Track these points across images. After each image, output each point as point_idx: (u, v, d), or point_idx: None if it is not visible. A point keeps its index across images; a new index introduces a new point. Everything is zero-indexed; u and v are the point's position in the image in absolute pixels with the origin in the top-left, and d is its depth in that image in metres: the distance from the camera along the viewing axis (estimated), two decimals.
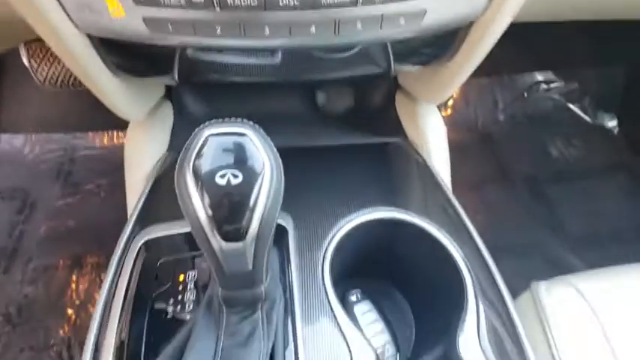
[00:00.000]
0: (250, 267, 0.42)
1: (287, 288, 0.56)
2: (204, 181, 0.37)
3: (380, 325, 0.71)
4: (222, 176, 0.36)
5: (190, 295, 0.55)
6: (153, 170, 0.74)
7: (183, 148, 0.38)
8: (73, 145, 1.71)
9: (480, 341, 0.56)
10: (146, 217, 0.66)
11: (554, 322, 0.70)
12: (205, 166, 0.37)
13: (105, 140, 1.73)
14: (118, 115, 0.71)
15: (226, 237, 0.39)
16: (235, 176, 0.37)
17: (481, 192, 1.66)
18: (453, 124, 1.84)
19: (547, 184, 1.72)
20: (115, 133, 1.74)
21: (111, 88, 0.62)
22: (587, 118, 1.91)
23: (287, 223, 0.63)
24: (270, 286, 0.49)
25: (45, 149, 1.70)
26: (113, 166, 1.67)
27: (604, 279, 0.78)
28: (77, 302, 1.35)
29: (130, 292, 0.56)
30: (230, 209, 0.38)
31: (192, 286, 0.56)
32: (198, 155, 0.37)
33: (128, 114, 0.70)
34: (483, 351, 0.55)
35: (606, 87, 1.90)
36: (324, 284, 0.58)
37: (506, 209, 1.64)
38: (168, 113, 0.83)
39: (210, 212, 0.38)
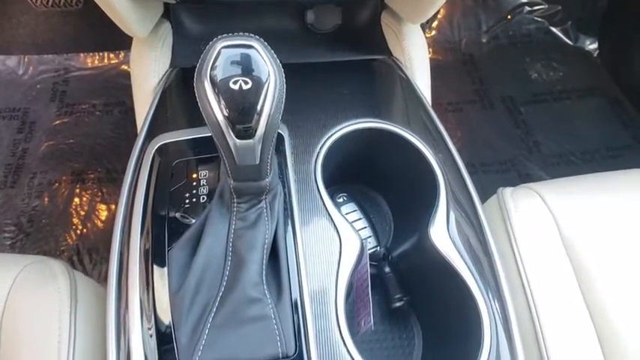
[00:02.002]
0: (258, 161, 0.51)
1: (285, 185, 0.65)
2: (220, 87, 0.44)
3: (363, 223, 0.82)
4: (235, 82, 0.44)
5: (204, 190, 0.64)
6: (159, 85, 0.81)
7: (199, 60, 0.45)
8: (65, 67, 1.74)
9: (449, 233, 0.66)
10: (156, 127, 0.74)
11: (517, 223, 0.79)
12: (220, 74, 0.44)
13: (96, 61, 1.76)
14: (124, 31, 0.76)
15: (239, 135, 0.48)
16: (246, 82, 0.44)
17: (460, 111, 1.74)
18: (436, 45, 1.88)
19: (525, 105, 1.80)
20: (105, 55, 1.77)
21: (119, 4, 0.68)
22: (568, 40, 1.96)
23: (283, 131, 0.71)
24: (273, 180, 0.57)
25: (38, 70, 1.73)
26: (106, 86, 1.71)
27: (565, 186, 0.88)
28: (82, 213, 1.44)
29: (150, 190, 0.65)
30: (242, 110, 0.46)
31: (205, 182, 0.65)
32: (214, 65, 0.44)
33: (133, 30, 0.76)
34: (452, 240, 0.65)
35: (588, 10, 1.93)
36: (316, 181, 0.67)
37: (483, 129, 1.72)
38: (167, 32, 0.88)
39: (225, 113, 0.46)
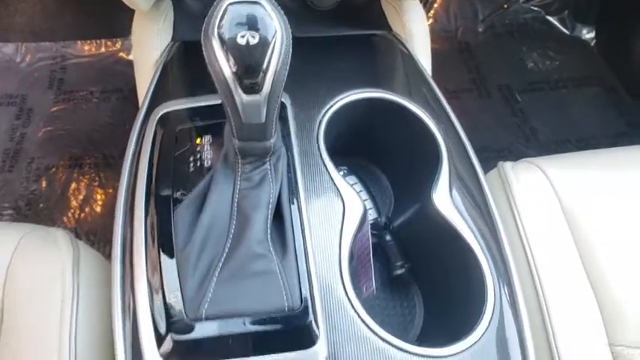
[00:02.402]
0: (263, 119, 0.51)
1: (288, 149, 0.65)
2: (228, 43, 0.44)
3: (364, 195, 0.82)
4: (242, 37, 0.44)
5: (208, 155, 0.64)
6: (160, 58, 0.81)
7: (206, 18, 0.45)
8: (62, 54, 1.74)
9: (452, 198, 0.66)
10: (158, 99, 0.74)
11: (518, 194, 0.79)
12: (227, 30, 0.44)
13: (93, 49, 1.75)
14: (126, 3, 0.76)
15: (245, 90, 0.48)
16: (253, 37, 0.45)
17: (458, 100, 1.75)
18: (432, 33, 1.88)
19: (522, 93, 1.80)
20: (103, 42, 1.76)
21: None
22: (564, 30, 1.97)
23: (286, 100, 0.71)
24: (277, 142, 0.57)
25: (36, 58, 1.72)
26: (103, 73, 1.71)
27: (566, 160, 0.88)
28: (80, 198, 1.44)
29: (154, 155, 0.65)
30: (249, 65, 0.46)
31: (209, 147, 0.65)
32: (220, 23, 0.44)
33: (135, 1, 0.76)
34: (455, 206, 0.65)
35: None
36: (318, 147, 0.67)
37: (481, 117, 1.73)
38: (169, 6, 0.88)
39: (233, 69, 0.46)
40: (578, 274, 0.74)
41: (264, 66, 0.46)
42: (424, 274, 0.71)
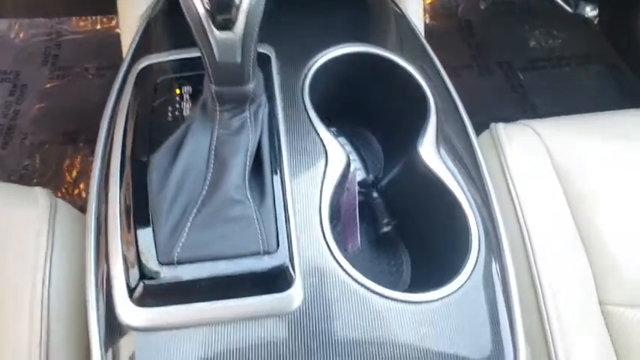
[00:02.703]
0: (239, 59, 0.49)
1: (272, 100, 0.63)
2: None
3: (353, 156, 0.80)
4: None
5: (187, 105, 0.63)
6: (146, 12, 0.79)
7: None
8: (57, 30, 1.72)
9: (439, 151, 0.64)
10: (141, 53, 0.72)
11: (509, 153, 0.78)
12: None
13: (89, 25, 1.74)
14: None
15: (219, 27, 0.46)
16: None
17: (457, 77, 1.72)
18: (432, 10, 1.86)
19: (523, 71, 1.78)
20: (98, 19, 1.75)
21: None
22: (567, 8, 1.94)
23: (270, 52, 0.69)
24: (257, 89, 0.56)
25: (30, 34, 1.71)
26: (99, 50, 1.69)
27: (559, 121, 0.87)
28: (74, 174, 1.43)
29: (132, 107, 0.63)
30: (221, 1, 0.44)
31: (188, 98, 0.63)
32: None
33: None
34: (442, 158, 0.63)
35: None
36: (303, 100, 0.65)
37: (481, 94, 1.71)
38: None
39: (206, 5, 0.44)
40: (570, 233, 0.72)
41: (237, 1, 0.44)
42: (411, 231, 0.69)
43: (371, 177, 0.73)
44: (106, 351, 0.48)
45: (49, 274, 0.61)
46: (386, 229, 0.70)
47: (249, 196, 0.53)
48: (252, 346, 0.47)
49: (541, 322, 0.65)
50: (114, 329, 0.48)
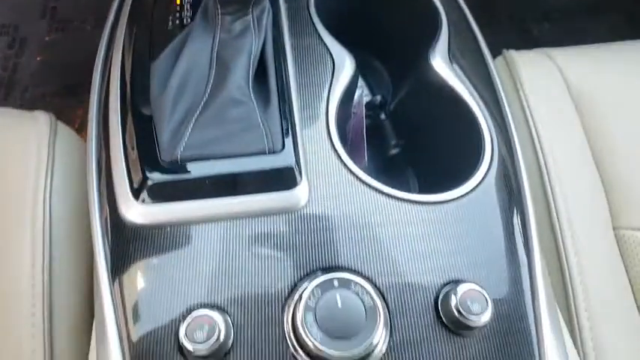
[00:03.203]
0: None
1: (274, 5, 0.60)
2: None
3: (360, 82, 0.77)
4: None
5: (188, 13, 0.60)
6: None
7: None
8: None
9: (452, 65, 0.61)
10: None
11: (524, 75, 0.75)
12: None
13: None
14: None
15: None
16: None
17: None
18: None
19: (535, 24, 1.73)
20: None
21: None
22: None
23: None
24: None
25: None
26: (98, 1, 1.65)
27: (577, 49, 0.83)
28: (75, 126, 1.41)
29: (130, 19, 0.61)
30: None
31: (189, 6, 0.60)
32: None
33: None
34: (455, 73, 0.60)
35: None
36: (307, 7, 0.62)
37: (492, 48, 1.66)
38: None
39: None
40: (585, 158, 0.70)
41: None
42: (419, 152, 0.67)
43: (378, 98, 0.71)
44: (111, 251, 0.46)
45: (50, 191, 0.59)
46: (394, 150, 0.68)
47: (252, 97, 0.51)
48: (256, 243, 0.45)
49: (555, 242, 0.63)
50: (117, 229, 0.46)
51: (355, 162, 0.59)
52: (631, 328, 0.60)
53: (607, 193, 0.68)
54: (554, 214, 0.64)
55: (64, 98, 1.45)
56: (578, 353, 0.56)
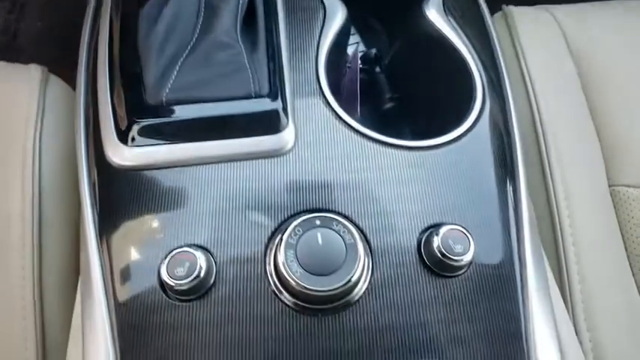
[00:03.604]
0: None
1: None
2: None
3: (355, 38, 0.76)
4: None
5: None
6: None
7: None
8: None
9: (447, 16, 0.60)
10: None
11: (522, 32, 0.73)
12: None
13: None
14: None
15: None
16: None
17: None
18: None
19: None
20: None
21: None
22: None
23: None
24: None
25: None
26: None
27: (578, 7, 0.81)
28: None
29: None
30: None
31: None
32: None
33: None
34: (451, 24, 0.59)
35: None
36: None
37: (494, 4, 1.62)
38: None
39: None
40: (582, 115, 0.69)
41: None
42: (413, 106, 0.66)
43: (373, 51, 0.70)
44: (96, 193, 0.46)
45: (40, 140, 0.59)
46: (388, 105, 0.67)
47: (240, 41, 0.50)
48: (241, 185, 0.45)
49: (547, 194, 0.63)
50: (103, 171, 0.47)
51: (349, 115, 0.59)
52: (620, 280, 0.60)
53: (604, 150, 0.68)
54: (547, 168, 0.64)
55: (64, 62, 1.45)
56: (566, 302, 0.56)
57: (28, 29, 1.52)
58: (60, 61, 1.44)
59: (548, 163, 0.64)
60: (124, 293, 0.42)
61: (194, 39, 0.51)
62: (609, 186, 0.66)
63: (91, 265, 0.43)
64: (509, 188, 0.50)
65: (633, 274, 0.61)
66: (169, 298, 0.41)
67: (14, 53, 1.47)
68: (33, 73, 0.65)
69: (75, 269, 0.56)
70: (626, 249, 0.63)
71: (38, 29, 1.51)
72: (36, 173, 0.57)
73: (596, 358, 0.55)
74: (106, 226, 0.45)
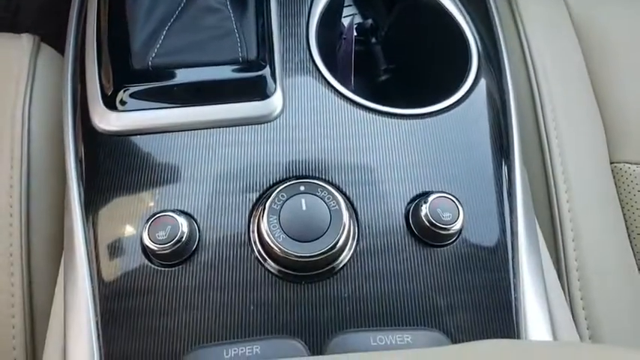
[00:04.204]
0: None
1: None
2: None
3: (352, 9, 0.75)
4: None
5: None
6: None
7: None
8: None
9: None
10: None
11: (523, 6, 0.72)
12: None
13: None
14: None
15: None
16: None
17: None
18: None
19: None
20: None
21: None
22: None
23: None
24: None
25: None
26: None
27: None
28: None
29: None
30: None
31: None
32: None
33: None
34: None
35: None
36: None
37: None
38: None
39: None
40: (584, 88, 0.67)
41: None
42: (408, 76, 0.65)
43: (369, 22, 0.68)
44: (82, 159, 0.46)
45: (29, 107, 0.59)
46: (384, 76, 0.66)
47: (229, 6, 0.49)
48: (228, 153, 0.44)
49: (544, 168, 0.61)
50: (88, 136, 0.46)
51: (343, 86, 0.58)
52: (620, 257, 0.59)
53: (606, 126, 0.66)
54: (545, 142, 0.62)
55: (65, 37, 1.44)
56: (561, 278, 0.55)
57: (29, 5, 1.51)
58: (61, 36, 1.44)
59: (547, 137, 0.62)
60: (106, 260, 0.42)
61: (182, 3, 0.49)
62: (610, 162, 0.65)
63: (75, 231, 0.43)
64: (503, 159, 0.48)
65: (634, 252, 0.60)
66: (152, 264, 0.41)
67: (16, 29, 1.46)
68: (25, 42, 0.64)
69: (62, 230, 0.56)
70: (627, 226, 0.61)
71: (40, 4, 1.50)
72: (25, 142, 0.56)
73: (591, 327, 0.54)
74: (90, 192, 0.44)
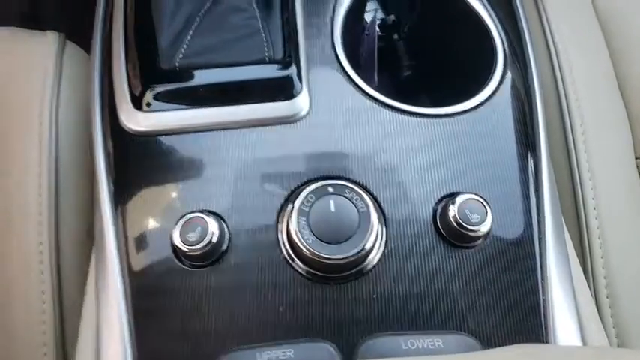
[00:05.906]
0: None
1: None
2: None
3: (374, 4, 0.74)
4: None
5: None
6: None
7: None
8: None
9: None
10: None
11: None
12: None
13: None
14: None
15: None
16: None
17: None
18: None
19: None
20: None
21: None
22: None
23: None
24: None
25: None
26: None
27: None
28: None
29: None
30: None
31: None
32: None
33: None
34: None
35: None
36: None
37: None
38: None
39: None
40: (609, 82, 0.66)
41: None
42: (432, 74, 0.64)
43: (392, 17, 0.68)
44: (110, 160, 0.46)
45: (57, 106, 0.59)
46: (407, 72, 0.65)
47: (255, 5, 0.49)
48: (254, 152, 0.45)
49: (569, 165, 0.61)
50: (116, 137, 0.46)
51: (366, 83, 0.57)
52: None
53: (631, 122, 0.65)
54: (571, 139, 0.61)
55: (85, 32, 1.45)
56: (587, 277, 0.55)
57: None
58: (81, 31, 1.45)
59: (573, 134, 0.61)
60: (137, 259, 0.42)
61: (209, 3, 0.50)
62: (635, 158, 0.64)
63: (105, 231, 0.43)
64: (530, 158, 0.48)
65: None
66: (182, 264, 0.41)
67: (35, 23, 1.48)
68: (50, 39, 0.65)
69: (91, 235, 0.57)
70: None
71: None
72: (53, 139, 0.57)
73: (618, 331, 0.53)
74: (120, 191, 0.45)
